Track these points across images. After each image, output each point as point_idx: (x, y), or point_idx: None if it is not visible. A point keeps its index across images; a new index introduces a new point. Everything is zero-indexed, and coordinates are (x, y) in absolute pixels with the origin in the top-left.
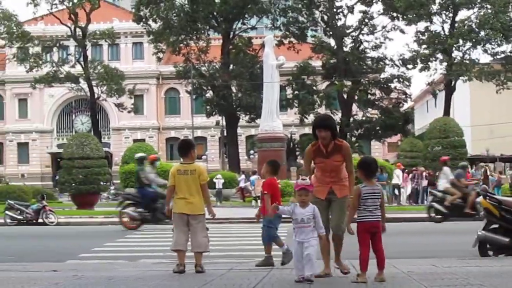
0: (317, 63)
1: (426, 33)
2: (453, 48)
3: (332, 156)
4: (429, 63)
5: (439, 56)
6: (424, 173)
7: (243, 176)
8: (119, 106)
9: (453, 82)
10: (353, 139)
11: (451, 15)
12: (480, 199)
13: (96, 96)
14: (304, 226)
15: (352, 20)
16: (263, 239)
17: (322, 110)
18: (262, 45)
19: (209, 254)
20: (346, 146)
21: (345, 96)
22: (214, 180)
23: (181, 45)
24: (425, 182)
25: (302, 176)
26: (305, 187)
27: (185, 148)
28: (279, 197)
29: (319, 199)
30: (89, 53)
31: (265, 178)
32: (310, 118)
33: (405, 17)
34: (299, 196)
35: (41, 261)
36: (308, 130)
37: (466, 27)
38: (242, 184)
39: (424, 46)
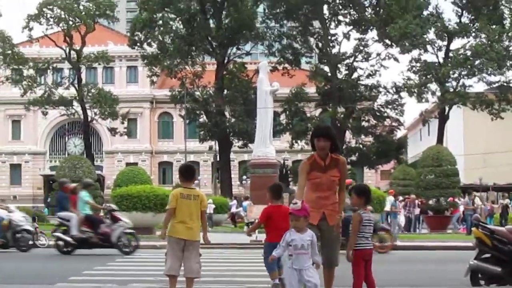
0: (311, 90)
1: (420, 62)
2: (447, 77)
3: (330, 170)
4: (423, 93)
5: (433, 85)
6: (416, 201)
7: (234, 202)
8: (112, 130)
9: (446, 111)
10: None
11: (445, 43)
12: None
13: (89, 119)
14: (303, 253)
15: (347, 47)
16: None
17: None
18: (257, 71)
19: (199, 279)
20: (344, 161)
21: (338, 123)
22: None
23: (176, 69)
24: (417, 211)
25: (293, 200)
26: (293, 212)
27: (190, 173)
28: (279, 224)
29: (310, 225)
30: (83, 76)
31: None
32: (302, 144)
33: (399, 45)
34: (290, 221)
35: (32, 284)
36: (301, 156)
37: (460, 56)
38: (233, 210)
39: (417, 75)
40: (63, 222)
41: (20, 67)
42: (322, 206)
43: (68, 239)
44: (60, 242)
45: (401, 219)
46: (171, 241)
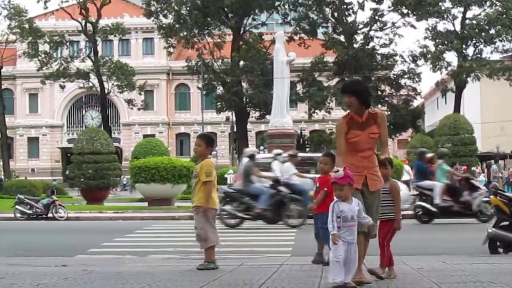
0: (327, 59)
1: (436, 30)
2: (464, 45)
3: (368, 127)
4: (440, 62)
5: (450, 53)
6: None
7: None
8: (129, 102)
9: (463, 80)
10: None
11: (461, 12)
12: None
13: (106, 91)
14: (352, 224)
15: (362, 16)
16: (323, 239)
17: (332, 106)
18: (273, 41)
19: (219, 249)
20: (382, 115)
21: None
22: (226, 175)
23: (194, 40)
24: None
25: (334, 168)
26: (336, 181)
27: (213, 142)
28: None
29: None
30: (99, 48)
31: (325, 173)
32: (320, 114)
33: (415, 13)
34: (334, 191)
35: (51, 256)
36: (318, 126)
37: (476, 24)
38: None
39: (434, 43)
40: (424, 191)
41: (37, 40)
42: (364, 169)
43: (431, 207)
44: (419, 211)
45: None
46: (212, 213)
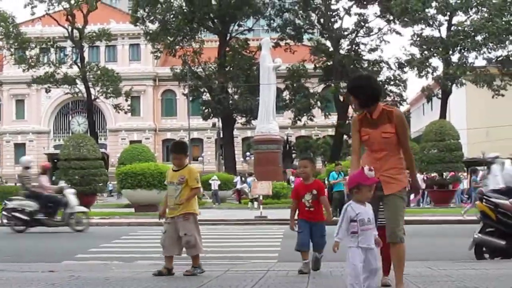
0: (311, 66)
1: (422, 37)
2: (450, 52)
3: (380, 125)
4: (425, 68)
5: (435, 60)
6: (421, 176)
7: (238, 178)
8: (116, 107)
9: (449, 86)
10: (350, 141)
11: (447, 18)
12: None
13: (93, 97)
14: (369, 228)
15: (349, 22)
16: (323, 245)
17: (317, 111)
18: (259, 48)
19: (205, 255)
20: (398, 114)
21: (341, 98)
22: (210, 181)
23: (177, 47)
24: (423, 185)
25: (368, 167)
26: (362, 182)
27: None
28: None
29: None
30: (86, 54)
31: (309, 180)
32: (304, 120)
33: (400, 20)
34: (369, 191)
35: (38, 262)
36: (304, 132)
37: (462, 31)
38: (238, 186)
39: (420, 49)
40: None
41: (23, 46)
42: (377, 170)
43: None
44: None
45: None
46: (196, 219)
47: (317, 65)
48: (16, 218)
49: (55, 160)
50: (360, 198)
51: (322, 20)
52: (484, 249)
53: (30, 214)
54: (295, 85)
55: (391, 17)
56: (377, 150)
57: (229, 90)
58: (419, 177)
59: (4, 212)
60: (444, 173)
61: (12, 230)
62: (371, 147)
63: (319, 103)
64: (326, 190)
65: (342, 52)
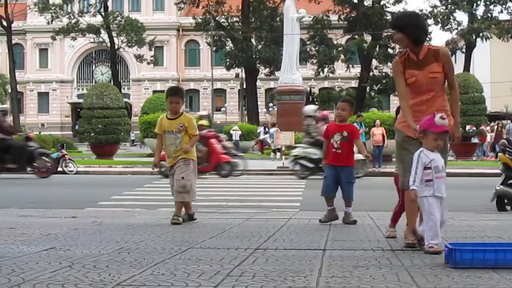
0: (336, 17)
1: None
2: (474, 5)
3: (427, 66)
4: (449, 22)
5: (460, 13)
6: None
7: (262, 128)
8: (139, 57)
9: (473, 39)
10: (372, 93)
11: None
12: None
13: (116, 46)
14: (443, 176)
15: None
16: (347, 195)
17: (341, 63)
18: None
19: (227, 204)
20: (445, 52)
21: (365, 51)
22: (231, 131)
23: None
24: None
25: (440, 114)
26: (439, 131)
27: None
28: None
29: (409, 139)
30: (110, 4)
31: (344, 121)
32: (326, 71)
33: None
34: (434, 140)
35: (61, 208)
36: (327, 83)
37: None
38: (261, 137)
39: (444, 2)
40: None
41: None
42: (422, 113)
43: None
44: None
45: None
46: (196, 166)
47: (341, 17)
48: (301, 166)
49: (78, 109)
50: (425, 145)
51: None
52: (506, 201)
53: (314, 161)
54: (317, 36)
55: None
56: (425, 91)
57: (253, 41)
58: None
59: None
60: (467, 126)
61: (297, 177)
62: (418, 89)
63: (342, 55)
64: None
65: (366, 3)
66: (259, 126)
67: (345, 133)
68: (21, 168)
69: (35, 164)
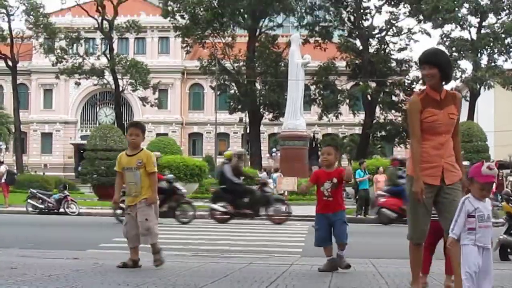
0: (341, 64)
1: (451, 38)
2: (478, 54)
3: (447, 106)
4: (454, 69)
5: (464, 61)
6: None
7: (264, 174)
8: (143, 100)
9: (477, 88)
10: (376, 141)
11: (478, 20)
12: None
13: (120, 88)
14: (488, 225)
15: (378, 21)
16: (341, 236)
17: (345, 109)
18: (288, 43)
19: (229, 248)
20: (460, 96)
21: (369, 97)
22: None
23: (207, 40)
24: None
25: (488, 164)
26: (486, 181)
27: None
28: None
29: (428, 186)
30: (115, 46)
31: (331, 168)
32: (330, 117)
33: (432, 18)
34: (480, 190)
35: (62, 250)
36: (331, 129)
37: (492, 33)
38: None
39: (449, 50)
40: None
41: (52, 36)
42: (441, 157)
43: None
44: None
45: None
46: (157, 206)
47: (347, 63)
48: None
49: (82, 151)
50: (472, 192)
51: (352, 18)
52: (509, 250)
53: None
54: (323, 81)
55: (421, 17)
56: (443, 132)
57: (257, 85)
58: None
59: None
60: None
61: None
62: (436, 130)
63: (347, 100)
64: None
65: (371, 50)
66: (260, 171)
67: (334, 180)
68: (255, 214)
69: (270, 209)
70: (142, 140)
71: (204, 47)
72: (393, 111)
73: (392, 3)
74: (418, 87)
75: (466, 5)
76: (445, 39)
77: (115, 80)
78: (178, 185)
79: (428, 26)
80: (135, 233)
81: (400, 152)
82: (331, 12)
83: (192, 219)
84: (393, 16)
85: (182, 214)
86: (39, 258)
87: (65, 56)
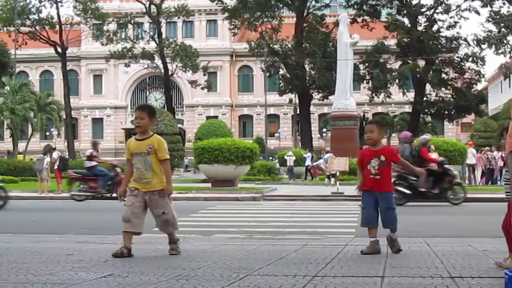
0: (391, 42)
1: (500, 14)
2: None
3: None
4: (502, 46)
5: None
6: (501, 153)
7: (309, 154)
8: (193, 83)
9: None
10: (426, 119)
11: None
12: None
13: (170, 72)
14: None
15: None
16: (389, 221)
17: (395, 89)
18: (336, 24)
19: (283, 230)
20: None
21: (418, 75)
22: (286, 157)
23: (256, 22)
24: (500, 163)
25: None
26: None
27: None
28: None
29: None
30: (163, 30)
31: (376, 146)
32: (381, 97)
33: None
34: None
35: (114, 235)
36: (381, 109)
37: None
38: (308, 162)
39: (497, 27)
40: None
41: (101, 22)
42: None
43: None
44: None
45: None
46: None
47: (397, 42)
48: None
49: (132, 135)
50: None
51: None
52: None
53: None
54: (371, 61)
55: None
56: None
57: (306, 66)
58: (497, 154)
59: None
60: None
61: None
62: None
63: (396, 80)
64: None
65: (419, 28)
66: (309, 151)
67: (382, 158)
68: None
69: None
70: (151, 124)
71: (255, 30)
72: (443, 89)
73: None
74: (468, 64)
75: None
76: (494, 15)
77: (164, 64)
78: (449, 168)
79: (477, 4)
80: (137, 217)
81: (451, 129)
82: None
83: (462, 201)
84: None
85: (454, 196)
86: (94, 244)
87: (115, 39)
